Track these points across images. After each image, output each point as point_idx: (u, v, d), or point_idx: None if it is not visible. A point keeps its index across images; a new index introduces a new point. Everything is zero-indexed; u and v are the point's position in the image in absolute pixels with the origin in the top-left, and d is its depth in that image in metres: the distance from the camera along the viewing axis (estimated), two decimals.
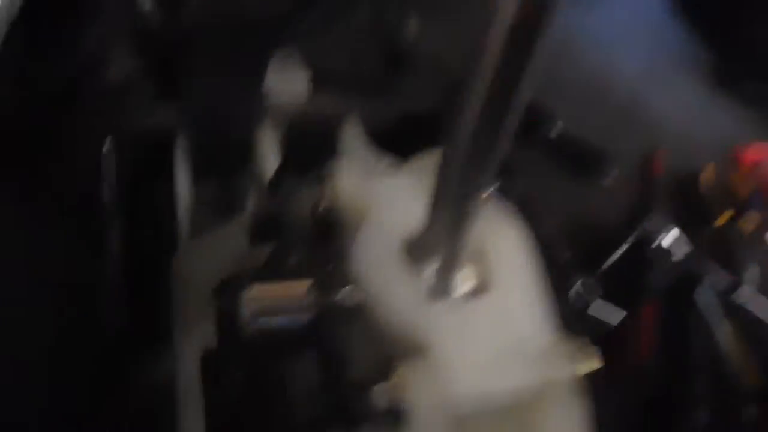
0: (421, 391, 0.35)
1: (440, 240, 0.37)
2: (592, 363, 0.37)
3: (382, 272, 0.39)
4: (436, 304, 0.38)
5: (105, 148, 0.62)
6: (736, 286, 0.87)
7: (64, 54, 0.70)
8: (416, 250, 0.39)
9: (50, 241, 0.66)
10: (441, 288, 0.39)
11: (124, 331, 0.57)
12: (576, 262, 0.90)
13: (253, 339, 0.38)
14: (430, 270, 0.39)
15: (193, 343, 0.51)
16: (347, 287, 0.39)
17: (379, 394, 0.35)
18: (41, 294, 0.61)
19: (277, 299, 0.37)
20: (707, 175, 1.03)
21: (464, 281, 0.39)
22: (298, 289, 0.37)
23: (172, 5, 0.75)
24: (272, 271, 0.41)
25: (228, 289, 0.41)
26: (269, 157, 0.63)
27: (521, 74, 0.27)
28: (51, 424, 0.55)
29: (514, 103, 0.28)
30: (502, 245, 0.41)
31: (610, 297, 0.86)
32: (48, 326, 0.58)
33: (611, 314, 0.84)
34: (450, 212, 0.35)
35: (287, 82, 0.68)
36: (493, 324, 0.38)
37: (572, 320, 0.84)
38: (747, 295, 0.86)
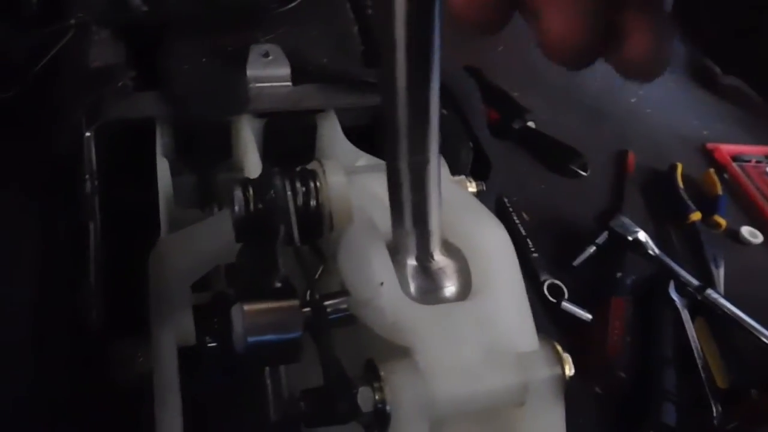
0: (403, 392, 0.35)
1: (409, 235, 0.37)
2: (571, 367, 0.38)
3: (368, 274, 0.39)
4: (420, 307, 0.38)
5: (85, 135, 0.61)
6: (706, 283, 0.88)
7: (45, 31, 0.69)
8: (395, 250, 0.39)
9: (28, 228, 0.65)
10: (425, 290, 0.39)
11: (103, 324, 0.57)
12: (549, 257, 0.91)
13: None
14: (412, 270, 0.39)
15: (170, 337, 0.50)
16: (335, 300, 0.39)
17: (364, 396, 0.35)
18: (18, 283, 0.61)
19: (269, 317, 0.37)
20: (679, 172, 1.04)
21: (449, 284, 0.40)
22: (289, 305, 0.37)
23: None
24: (261, 274, 0.41)
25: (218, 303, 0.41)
26: (249, 149, 0.62)
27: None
28: (30, 413, 0.55)
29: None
30: (488, 248, 0.41)
31: (583, 291, 0.87)
32: (26, 317, 0.58)
33: (583, 309, 0.85)
34: (405, 199, 0.36)
35: (268, 73, 0.67)
36: (477, 327, 0.38)
37: (546, 315, 0.85)
38: (716, 292, 0.88)
